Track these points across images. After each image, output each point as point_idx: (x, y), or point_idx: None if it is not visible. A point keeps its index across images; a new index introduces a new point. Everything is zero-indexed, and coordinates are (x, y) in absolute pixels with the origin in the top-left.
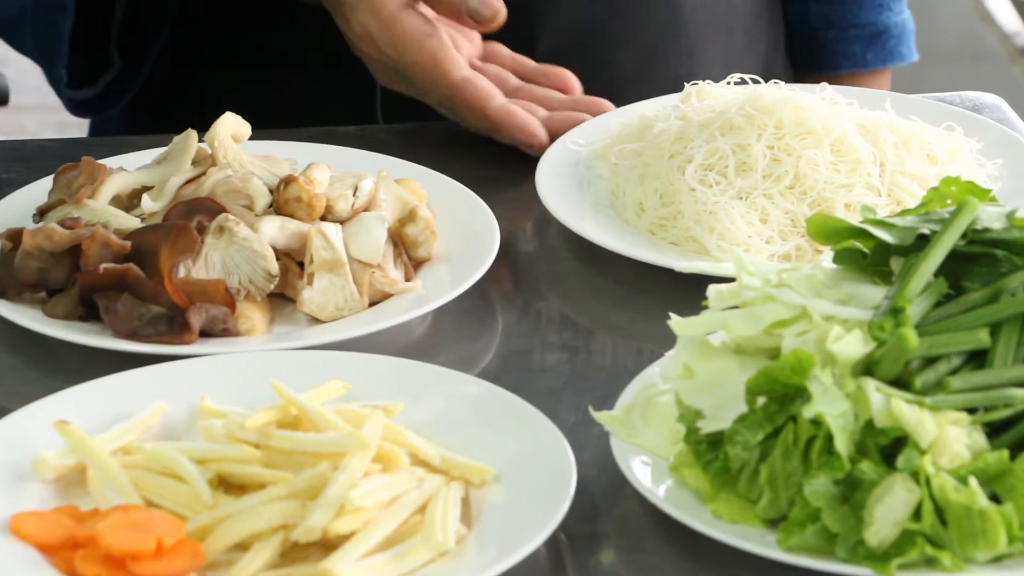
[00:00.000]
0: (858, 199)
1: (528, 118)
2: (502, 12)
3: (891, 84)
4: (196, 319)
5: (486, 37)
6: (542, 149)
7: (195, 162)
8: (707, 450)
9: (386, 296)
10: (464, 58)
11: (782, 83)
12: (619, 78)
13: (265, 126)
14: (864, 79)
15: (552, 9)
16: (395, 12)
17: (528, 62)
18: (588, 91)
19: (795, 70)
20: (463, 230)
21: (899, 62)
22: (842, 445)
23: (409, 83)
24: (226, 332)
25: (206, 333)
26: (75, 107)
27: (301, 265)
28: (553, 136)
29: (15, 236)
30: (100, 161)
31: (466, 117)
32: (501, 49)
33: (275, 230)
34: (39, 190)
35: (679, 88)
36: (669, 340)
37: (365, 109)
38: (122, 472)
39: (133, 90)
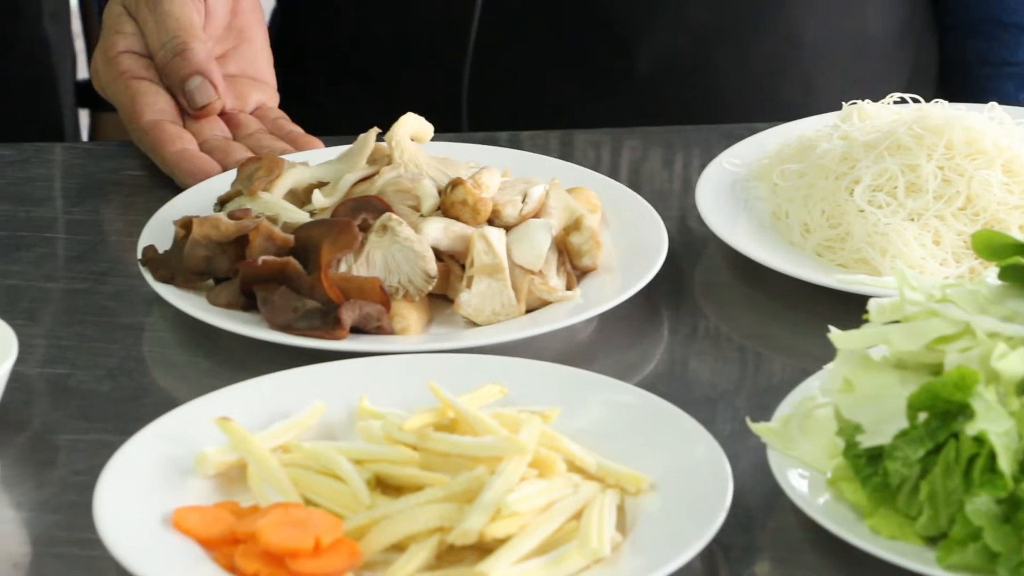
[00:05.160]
0: None
1: (203, 161)
2: (216, 104)
3: None
4: (348, 315)
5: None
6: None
7: (372, 160)
8: (866, 465)
9: (544, 303)
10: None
11: (944, 102)
12: (728, 104)
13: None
14: None
15: (649, 32)
16: (119, 53)
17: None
18: (695, 116)
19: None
20: (632, 239)
21: None
22: (1005, 464)
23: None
24: (380, 330)
25: (360, 330)
26: None
27: (464, 267)
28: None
29: (187, 224)
30: (283, 156)
31: (155, 161)
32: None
33: (439, 231)
34: (226, 180)
35: (792, 115)
36: (827, 354)
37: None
38: (281, 470)
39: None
